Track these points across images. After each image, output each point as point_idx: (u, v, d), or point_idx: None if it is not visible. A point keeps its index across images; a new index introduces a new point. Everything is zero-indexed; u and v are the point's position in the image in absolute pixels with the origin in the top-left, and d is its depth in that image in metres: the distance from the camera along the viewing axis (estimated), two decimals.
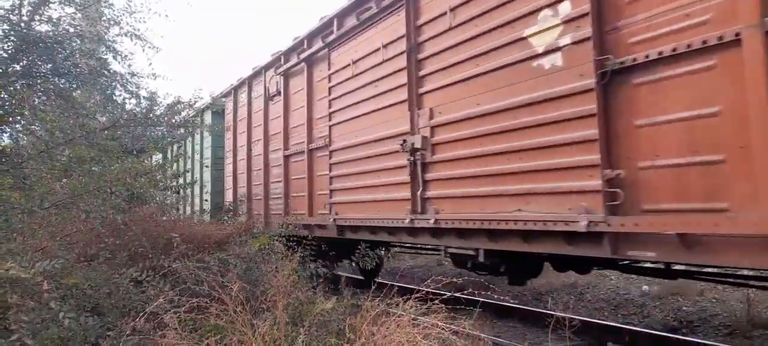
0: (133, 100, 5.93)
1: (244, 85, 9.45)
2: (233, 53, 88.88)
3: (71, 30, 4.92)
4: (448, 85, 4.70)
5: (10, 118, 4.52)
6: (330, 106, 6.57)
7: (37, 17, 4.58)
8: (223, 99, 10.77)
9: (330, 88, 6.57)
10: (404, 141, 5.01)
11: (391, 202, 5.41)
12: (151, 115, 5.72)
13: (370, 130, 5.78)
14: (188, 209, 12.70)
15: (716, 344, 5.12)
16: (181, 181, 13.30)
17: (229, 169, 10.44)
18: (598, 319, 6.46)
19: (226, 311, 3.21)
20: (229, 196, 10.41)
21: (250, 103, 9.29)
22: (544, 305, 7.42)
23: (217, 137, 11.35)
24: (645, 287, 7.88)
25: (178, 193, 12.97)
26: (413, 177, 5.01)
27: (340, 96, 6.39)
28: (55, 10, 4.77)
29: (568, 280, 8.47)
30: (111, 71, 5.52)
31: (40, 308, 2.88)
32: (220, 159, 11.34)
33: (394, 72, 5.36)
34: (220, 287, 3.45)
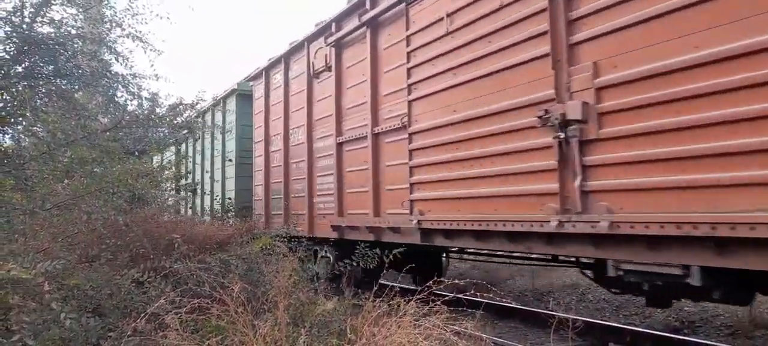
0: (135, 102, 5.94)
1: (279, 63, 8.39)
2: (236, 55, 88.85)
3: (73, 32, 4.93)
4: (630, 26, 3.32)
5: (12, 120, 4.53)
6: (409, 77, 5.29)
7: (39, 19, 4.59)
8: (251, 83, 9.71)
9: (410, 54, 5.32)
10: (546, 111, 3.73)
11: (516, 197, 4.11)
12: (152, 116, 5.73)
13: (478, 101, 4.46)
14: (205, 209, 11.65)
15: (718, 344, 5.11)
16: (190, 179, 12.86)
17: (259, 162, 9.28)
18: (600, 319, 6.45)
19: (227, 312, 3.21)
20: (259, 193, 9.23)
21: (287, 85, 8.22)
22: (545, 305, 7.41)
23: (244, 127, 10.25)
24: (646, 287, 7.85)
25: (194, 192, 12.52)
26: (564, 161, 3.70)
27: (426, 62, 5.07)
28: (57, 11, 4.78)
29: (570, 280, 8.46)
30: (113, 73, 5.53)
31: (41, 309, 2.88)
32: (247, 152, 10.11)
33: (525, 18, 4.04)
34: (222, 288, 3.46)
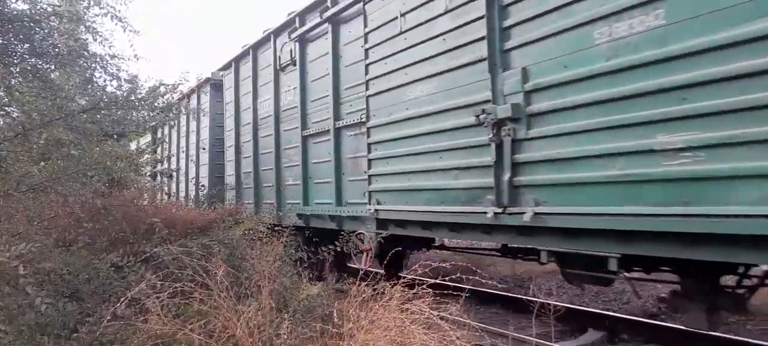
0: (114, 83, 5.77)
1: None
2: (228, 34, 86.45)
3: (49, 9, 4.76)
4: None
5: None
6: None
7: None
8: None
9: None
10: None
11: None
12: (132, 97, 5.59)
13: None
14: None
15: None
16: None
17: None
18: (579, 305, 6.54)
19: (210, 297, 3.17)
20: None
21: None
22: (525, 291, 7.47)
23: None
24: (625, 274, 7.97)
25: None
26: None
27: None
28: None
29: (550, 267, 8.54)
30: (90, 52, 5.36)
31: (16, 293, 2.81)
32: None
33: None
34: (205, 273, 3.40)
